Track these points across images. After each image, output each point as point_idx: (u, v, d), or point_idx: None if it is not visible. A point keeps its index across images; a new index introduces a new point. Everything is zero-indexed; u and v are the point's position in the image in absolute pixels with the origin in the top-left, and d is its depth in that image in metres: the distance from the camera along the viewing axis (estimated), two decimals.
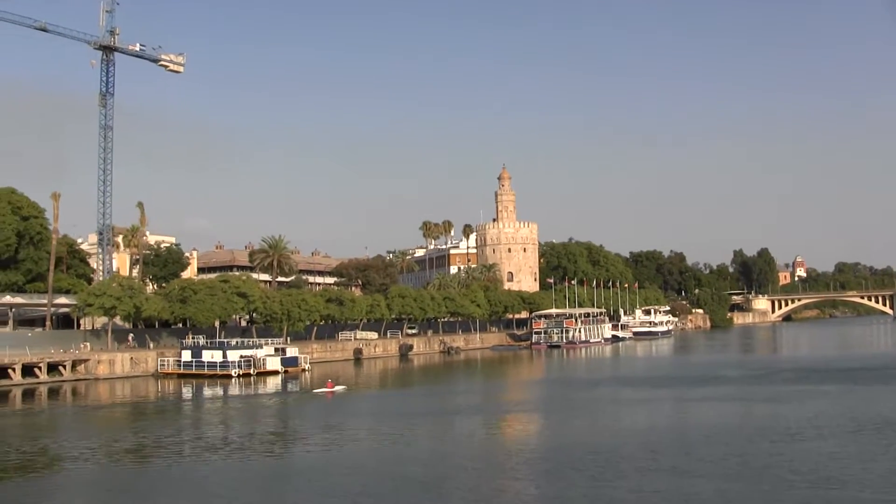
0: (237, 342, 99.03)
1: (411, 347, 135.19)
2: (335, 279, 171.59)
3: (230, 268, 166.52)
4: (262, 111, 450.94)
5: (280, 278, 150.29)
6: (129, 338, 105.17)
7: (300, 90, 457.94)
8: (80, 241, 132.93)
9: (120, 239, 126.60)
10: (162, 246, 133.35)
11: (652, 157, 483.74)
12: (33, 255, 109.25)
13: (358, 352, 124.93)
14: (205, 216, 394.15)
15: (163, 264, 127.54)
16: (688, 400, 67.52)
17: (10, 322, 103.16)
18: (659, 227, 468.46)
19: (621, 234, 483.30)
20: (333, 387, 77.63)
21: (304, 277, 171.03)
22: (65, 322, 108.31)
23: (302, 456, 45.82)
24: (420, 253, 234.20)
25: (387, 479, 37.96)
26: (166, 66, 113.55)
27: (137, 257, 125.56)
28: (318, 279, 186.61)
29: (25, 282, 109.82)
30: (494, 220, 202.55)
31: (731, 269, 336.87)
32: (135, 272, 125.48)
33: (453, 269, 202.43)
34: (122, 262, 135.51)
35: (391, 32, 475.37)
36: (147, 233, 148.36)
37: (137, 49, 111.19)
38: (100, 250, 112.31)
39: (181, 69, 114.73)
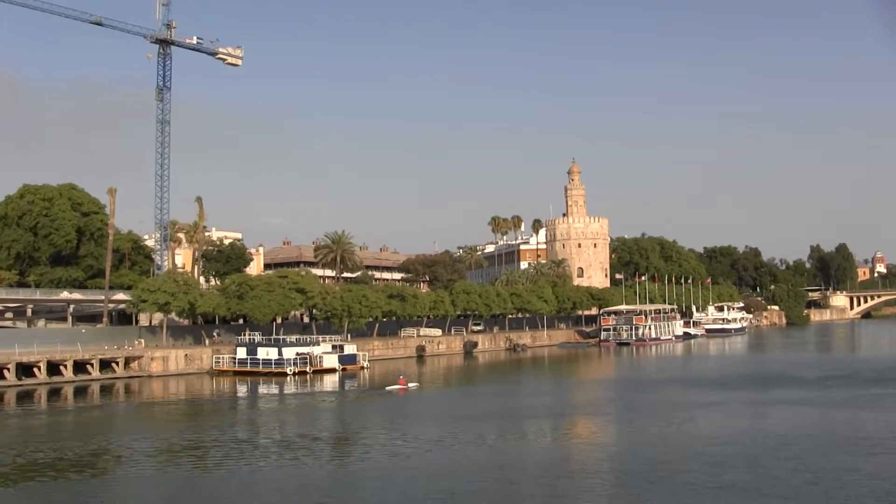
0: (294, 339, 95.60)
1: (476, 344, 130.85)
2: (402, 275, 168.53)
3: (297, 263, 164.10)
4: (324, 105, 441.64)
5: (346, 274, 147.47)
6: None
7: (363, 84, 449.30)
8: (146, 237, 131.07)
9: (183, 235, 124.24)
10: (225, 242, 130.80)
11: (726, 149, 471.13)
12: (94, 252, 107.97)
13: (421, 349, 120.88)
14: (279, 213, 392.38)
15: (225, 260, 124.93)
16: (759, 404, 62.53)
17: (69, 318, 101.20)
18: (734, 222, 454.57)
19: (695, 228, 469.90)
20: (406, 383, 75.98)
21: (370, 273, 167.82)
22: (124, 318, 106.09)
23: (364, 460, 42.54)
24: (490, 249, 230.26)
25: (451, 489, 34.79)
26: (224, 60, 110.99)
27: (199, 252, 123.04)
28: (386, 275, 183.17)
29: (86, 278, 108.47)
30: (564, 214, 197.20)
31: (807, 265, 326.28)
32: (197, 268, 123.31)
33: (523, 265, 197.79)
34: (187, 258, 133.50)
35: (458, 24, 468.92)
36: (213, 229, 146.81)
37: (194, 42, 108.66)
38: (157, 246, 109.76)
39: (239, 62, 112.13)
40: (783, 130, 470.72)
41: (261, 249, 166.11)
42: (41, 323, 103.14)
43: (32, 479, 38.69)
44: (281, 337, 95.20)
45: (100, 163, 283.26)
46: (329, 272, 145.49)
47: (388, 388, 75.65)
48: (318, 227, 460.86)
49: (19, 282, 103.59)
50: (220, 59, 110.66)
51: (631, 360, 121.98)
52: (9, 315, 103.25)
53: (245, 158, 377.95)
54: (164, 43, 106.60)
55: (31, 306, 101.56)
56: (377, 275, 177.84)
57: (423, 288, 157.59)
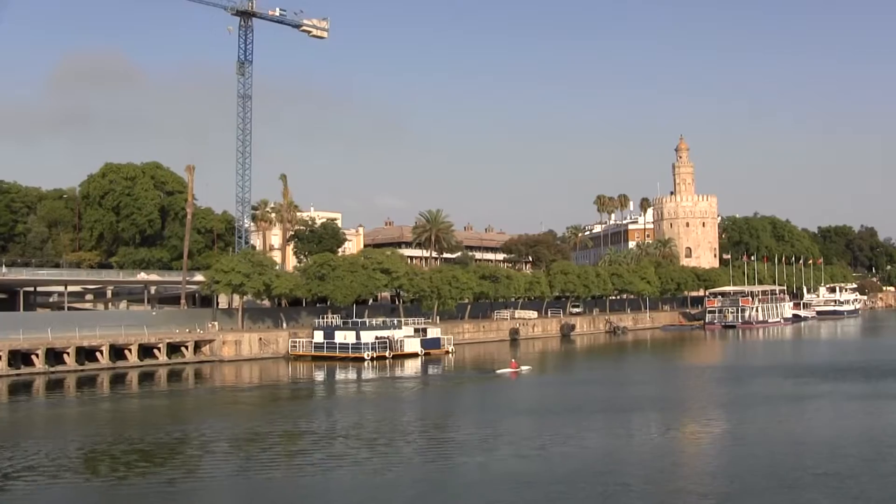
0: (375, 322, 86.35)
1: (573, 327, 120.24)
2: (504, 255, 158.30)
3: (398, 244, 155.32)
4: (417, 83, 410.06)
5: (446, 255, 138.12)
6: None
7: (460, 61, 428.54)
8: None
9: (274, 214, 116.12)
10: (318, 221, 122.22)
11: (841, 126, 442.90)
12: (178, 232, 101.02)
13: (514, 332, 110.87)
14: (390, 194, 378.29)
15: (318, 240, 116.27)
16: (867, 398, 53.45)
17: (147, 299, 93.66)
18: (849, 201, 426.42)
19: (809, 208, 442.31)
20: (518, 366, 70.46)
21: (470, 254, 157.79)
22: (206, 301, 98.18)
23: (450, 459, 36.45)
24: (598, 229, 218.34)
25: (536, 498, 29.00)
26: (309, 32, 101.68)
27: (291, 233, 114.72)
28: (489, 255, 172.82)
29: (171, 259, 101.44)
30: (672, 193, 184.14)
31: None
32: (289, 248, 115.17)
33: (631, 245, 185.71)
34: (282, 238, 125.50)
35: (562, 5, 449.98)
36: (311, 208, 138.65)
37: (277, 14, 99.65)
38: (238, 224, 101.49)
39: (325, 35, 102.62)
40: None
41: (360, 230, 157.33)
42: (122, 305, 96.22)
43: (89, 474, 34.62)
44: (360, 320, 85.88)
45: (188, 142, 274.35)
46: (427, 252, 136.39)
47: (498, 371, 70.73)
48: (426, 208, 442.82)
49: (101, 263, 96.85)
50: (304, 31, 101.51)
51: (735, 344, 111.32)
52: (89, 297, 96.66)
53: (344, 138, 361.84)
54: (246, 15, 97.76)
55: (110, 288, 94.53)
56: (478, 255, 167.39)
57: (527, 269, 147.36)
